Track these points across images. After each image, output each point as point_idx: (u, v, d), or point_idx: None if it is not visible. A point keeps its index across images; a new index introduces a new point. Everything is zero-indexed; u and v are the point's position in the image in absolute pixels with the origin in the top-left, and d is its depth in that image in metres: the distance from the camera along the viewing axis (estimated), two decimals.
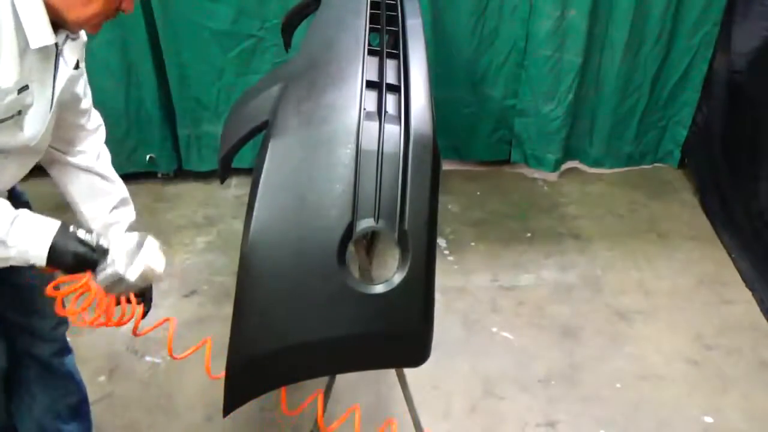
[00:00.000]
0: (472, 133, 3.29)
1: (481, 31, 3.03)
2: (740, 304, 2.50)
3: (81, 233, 1.24)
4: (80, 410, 1.75)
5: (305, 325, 1.22)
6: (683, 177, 3.34)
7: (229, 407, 1.31)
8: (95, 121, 1.51)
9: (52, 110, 1.26)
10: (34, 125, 1.23)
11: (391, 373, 1.95)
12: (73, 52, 1.28)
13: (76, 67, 1.31)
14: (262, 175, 1.22)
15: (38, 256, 1.18)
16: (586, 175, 3.37)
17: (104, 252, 1.22)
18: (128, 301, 1.28)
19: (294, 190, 1.22)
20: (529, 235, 2.90)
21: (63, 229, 1.23)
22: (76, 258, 1.20)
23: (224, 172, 1.97)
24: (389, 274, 1.23)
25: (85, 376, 2.11)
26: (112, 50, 2.81)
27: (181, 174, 3.18)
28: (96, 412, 2.01)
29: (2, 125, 1.17)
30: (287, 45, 2.53)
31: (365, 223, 1.20)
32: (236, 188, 3.09)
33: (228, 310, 1.23)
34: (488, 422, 1.99)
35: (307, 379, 1.37)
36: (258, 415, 2.00)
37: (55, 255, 1.19)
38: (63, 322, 1.61)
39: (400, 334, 1.27)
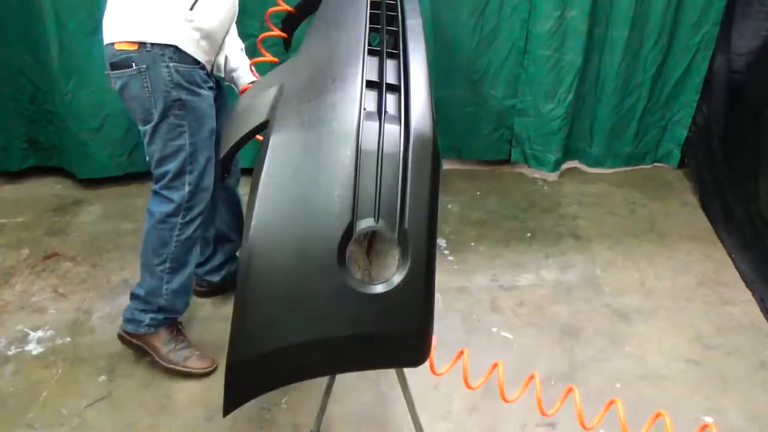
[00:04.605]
0: (472, 133, 3.30)
1: (481, 31, 3.03)
2: (740, 304, 2.50)
3: None
4: (241, 228, 2.19)
5: (305, 325, 1.22)
6: (683, 177, 3.34)
7: (229, 407, 1.30)
8: None
9: None
10: None
11: (391, 373, 1.95)
12: None
13: None
14: (262, 175, 1.22)
15: None
16: (586, 175, 3.37)
17: None
18: None
19: (294, 190, 1.22)
20: (529, 235, 2.90)
21: None
22: None
23: (224, 172, 1.97)
24: (389, 274, 1.23)
25: (85, 376, 2.12)
26: None
27: None
28: (96, 412, 2.02)
29: None
30: (287, 45, 2.53)
31: (365, 223, 1.20)
32: (236, 188, 3.08)
33: (228, 310, 1.23)
34: (488, 422, 1.99)
35: (307, 379, 1.37)
36: (258, 415, 2.00)
37: None
38: (238, 161, 2.30)
39: (400, 334, 1.27)
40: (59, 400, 2.04)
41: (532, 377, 1.48)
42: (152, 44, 1.83)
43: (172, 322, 2.14)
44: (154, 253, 2.02)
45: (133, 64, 1.85)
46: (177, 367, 2.11)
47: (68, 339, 2.27)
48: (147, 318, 2.08)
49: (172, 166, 1.95)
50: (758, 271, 2.57)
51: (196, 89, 1.92)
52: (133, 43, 1.84)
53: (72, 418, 1.99)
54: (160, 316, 2.08)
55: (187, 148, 1.94)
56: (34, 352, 2.22)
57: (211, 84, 2.00)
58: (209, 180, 2.02)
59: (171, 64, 1.85)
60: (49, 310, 2.39)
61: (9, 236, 2.79)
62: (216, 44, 1.98)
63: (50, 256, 2.68)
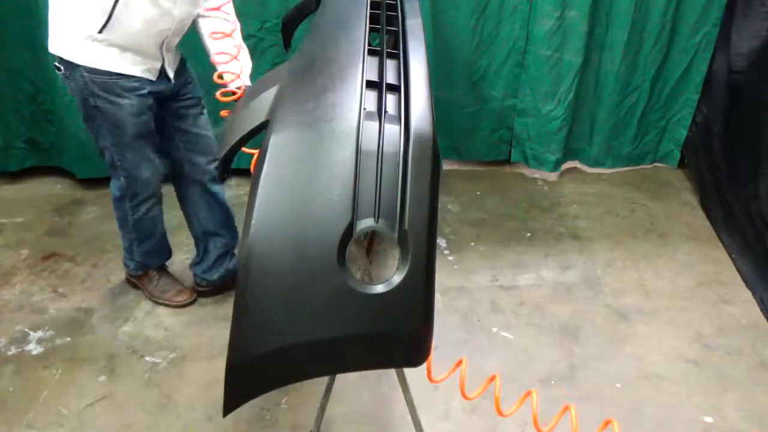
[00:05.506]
0: (472, 133, 3.30)
1: (481, 31, 3.03)
2: (740, 304, 2.50)
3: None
4: (229, 223, 2.41)
5: (305, 325, 1.22)
6: (683, 177, 3.34)
7: (229, 407, 1.30)
8: None
9: None
10: None
11: (391, 373, 1.95)
12: None
13: None
14: (262, 175, 1.22)
15: None
16: (586, 175, 3.37)
17: None
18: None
19: (294, 190, 1.22)
20: (529, 235, 2.90)
21: None
22: None
23: (224, 172, 1.97)
24: (389, 274, 1.23)
25: (85, 376, 2.12)
26: None
27: None
28: (96, 412, 2.02)
29: None
30: (287, 45, 2.53)
31: (365, 223, 1.20)
32: (236, 188, 3.08)
33: (228, 310, 1.23)
34: (488, 422, 1.99)
35: (307, 379, 1.37)
36: (258, 415, 2.00)
37: None
38: (213, 161, 2.27)
39: (400, 334, 1.27)
40: (59, 400, 2.04)
41: (529, 394, 1.48)
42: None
43: (155, 267, 2.47)
44: (120, 225, 2.33)
45: (61, 68, 2.00)
46: (159, 300, 2.44)
47: (68, 339, 2.27)
48: (132, 264, 2.42)
49: (106, 158, 2.15)
50: (758, 271, 2.57)
51: (114, 98, 1.99)
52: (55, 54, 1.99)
53: (72, 418, 1.99)
54: (138, 265, 2.42)
55: (110, 147, 2.10)
56: (34, 352, 2.22)
57: (146, 90, 2.03)
58: (146, 172, 2.16)
59: (86, 74, 1.96)
60: (49, 310, 2.40)
61: (9, 236, 2.79)
62: (150, 53, 2.00)
63: (50, 256, 2.68)
